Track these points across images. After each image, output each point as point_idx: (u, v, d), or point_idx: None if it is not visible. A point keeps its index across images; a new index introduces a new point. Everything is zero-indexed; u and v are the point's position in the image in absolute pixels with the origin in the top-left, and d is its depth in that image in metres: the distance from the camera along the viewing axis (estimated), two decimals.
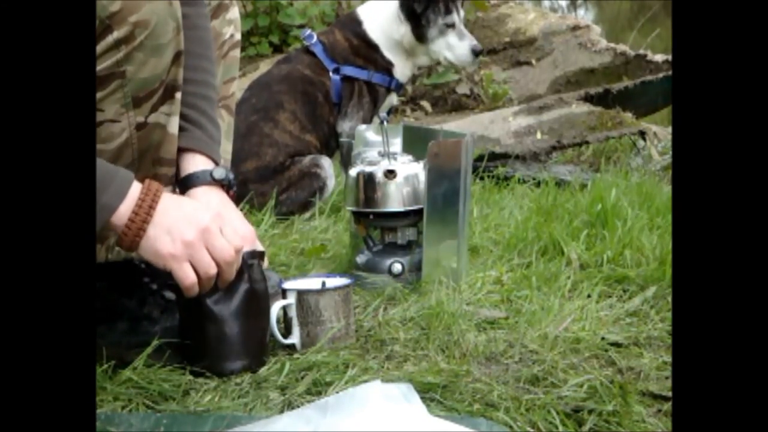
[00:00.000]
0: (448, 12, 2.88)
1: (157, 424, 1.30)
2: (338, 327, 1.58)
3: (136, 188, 1.36)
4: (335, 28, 2.95)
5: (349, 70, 2.84)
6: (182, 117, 1.50)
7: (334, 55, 2.85)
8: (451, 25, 2.90)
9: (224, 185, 1.52)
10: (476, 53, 2.95)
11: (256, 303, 1.50)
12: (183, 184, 1.51)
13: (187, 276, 1.38)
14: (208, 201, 1.49)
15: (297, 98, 2.78)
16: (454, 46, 2.91)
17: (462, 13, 2.97)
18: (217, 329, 1.46)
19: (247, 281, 1.48)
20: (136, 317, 1.53)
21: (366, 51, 2.88)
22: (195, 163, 1.51)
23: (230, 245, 1.41)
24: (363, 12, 2.93)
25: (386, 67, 2.89)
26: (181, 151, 1.51)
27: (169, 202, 1.38)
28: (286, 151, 2.73)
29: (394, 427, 1.22)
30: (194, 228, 1.38)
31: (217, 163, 1.54)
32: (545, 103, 3.74)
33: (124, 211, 1.34)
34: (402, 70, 2.93)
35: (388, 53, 2.90)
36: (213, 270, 1.40)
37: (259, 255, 1.51)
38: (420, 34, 2.88)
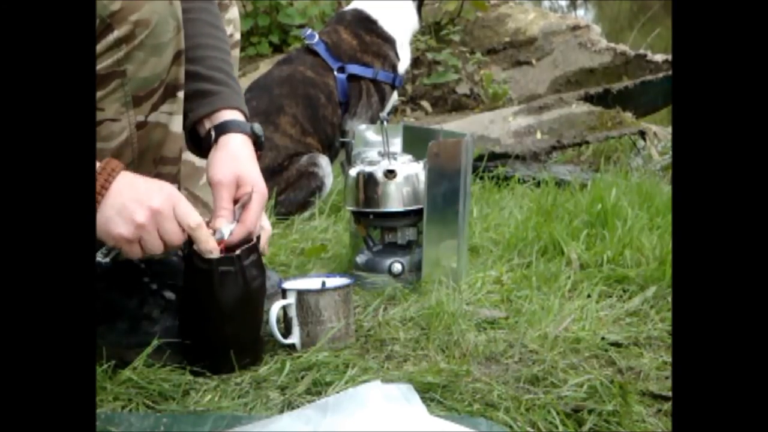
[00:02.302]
0: None
1: (157, 424, 1.30)
2: (338, 327, 1.58)
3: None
4: (339, 27, 2.93)
5: (354, 69, 2.84)
6: (210, 80, 1.51)
7: (338, 53, 2.85)
8: None
9: (257, 143, 1.53)
10: None
11: (254, 301, 1.51)
12: (220, 129, 1.51)
13: (134, 254, 1.37)
14: (239, 149, 1.50)
15: (298, 101, 2.77)
16: None
17: None
18: (216, 329, 1.47)
19: (243, 281, 1.47)
20: (136, 317, 1.53)
21: (379, 47, 2.88)
22: (233, 115, 1.52)
23: (178, 231, 1.37)
24: (373, 11, 2.94)
25: (393, 64, 2.90)
26: (217, 110, 1.51)
27: (124, 181, 1.35)
28: (286, 153, 2.72)
29: (394, 427, 1.22)
30: (145, 210, 1.34)
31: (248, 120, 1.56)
32: (545, 103, 3.74)
33: None
34: (404, 66, 2.96)
35: (401, 48, 2.94)
36: (159, 251, 1.38)
37: (254, 248, 1.50)
38: (420, 10, 3.02)
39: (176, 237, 1.38)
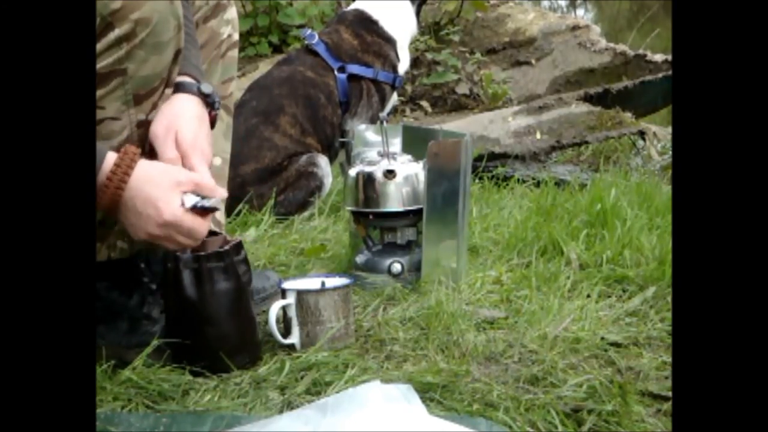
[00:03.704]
0: None
1: (157, 424, 1.30)
2: (338, 327, 1.58)
3: (111, 157, 1.36)
4: (340, 27, 2.93)
5: (355, 69, 2.84)
6: None
7: (339, 53, 2.85)
8: None
9: (208, 102, 1.53)
10: None
11: (246, 297, 1.52)
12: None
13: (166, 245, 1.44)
14: (188, 108, 1.49)
15: (298, 101, 2.77)
16: None
17: None
18: (214, 330, 1.48)
19: (236, 279, 1.48)
20: (136, 317, 1.53)
21: (380, 48, 2.89)
22: (181, 78, 1.53)
23: (202, 226, 1.42)
24: (374, 11, 2.95)
25: (393, 64, 2.90)
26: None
27: (143, 171, 1.37)
28: (285, 153, 2.72)
29: (394, 427, 1.21)
30: (154, 227, 1.38)
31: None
32: (545, 103, 3.73)
33: (100, 182, 1.35)
34: (404, 67, 2.96)
35: (401, 50, 2.95)
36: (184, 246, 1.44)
37: (241, 245, 1.53)
38: (419, 14, 3.02)
39: (199, 235, 1.43)
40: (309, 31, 2.92)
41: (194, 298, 1.47)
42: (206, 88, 1.53)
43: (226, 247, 1.50)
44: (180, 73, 1.51)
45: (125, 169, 1.35)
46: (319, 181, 2.68)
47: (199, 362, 1.45)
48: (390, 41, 2.92)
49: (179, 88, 1.50)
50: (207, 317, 1.48)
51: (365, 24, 2.92)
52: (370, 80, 2.86)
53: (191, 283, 1.47)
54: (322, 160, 2.72)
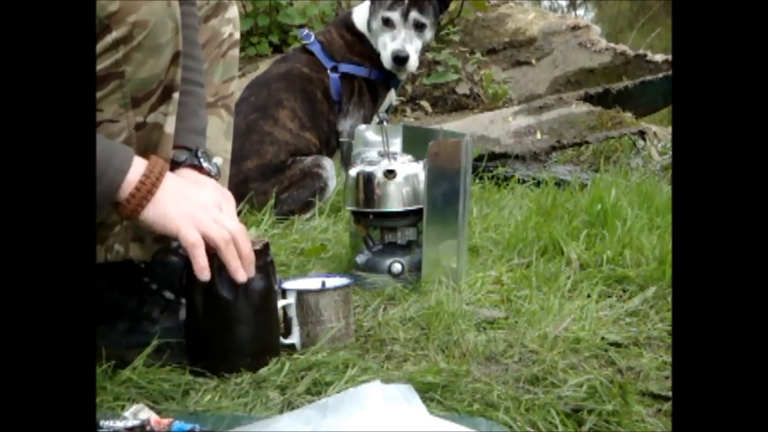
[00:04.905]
0: (391, 7, 2.83)
1: None
2: (338, 327, 1.58)
3: (139, 163, 1.37)
4: (331, 27, 2.98)
5: (347, 68, 2.85)
6: None
7: (332, 53, 2.87)
8: (388, 22, 2.83)
9: (195, 166, 1.54)
10: (397, 60, 2.81)
11: (274, 298, 1.52)
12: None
13: (191, 235, 1.39)
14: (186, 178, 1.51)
15: (296, 96, 2.79)
16: (385, 45, 2.84)
17: (413, 15, 2.83)
18: (245, 329, 1.47)
19: (267, 279, 1.48)
20: (136, 317, 1.53)
21: (359, 47, 2.88)
22: (176, 152, 1.54)
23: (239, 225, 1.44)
24: (356, 7, 2.97)
25: (379, 63, 2.89)
26: None
27: (173, 178, 1.41)
28: (287, 149, 2.73)
29: (394, 428, 1.21)
30: (206, 200, 1.43)
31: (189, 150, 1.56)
32: (545, 103, 3.74)
33: (125, 187, 1.35)
34: (387, 61, 2.91)
35: (376, 42, 2.88)
36: (226, 234, 1.41)
37: (268, 246, 1.53)
38: (368, 21, 2.88)
39: (237, 226, 1.44)
40: (306, 31, 2.94)
41: (228, 297, 1.45)
42: (179, 156, 1.53)
43: (259, 247, 1.49)
44: (175, 146, 1.52)
45: (153, 182, 1.37)
46: (323, 183, 2.69)
47: (224, 362, 1.45)
48: (357, 35, 2.90)
49: (173, 164, 1.51)
50: (238, 316, 1.46)
51: (344, 21, 2.95)
52: (362, 79, 2.86)
53: (226, 280, 1.45)
54: (327, 163, 2.73)
